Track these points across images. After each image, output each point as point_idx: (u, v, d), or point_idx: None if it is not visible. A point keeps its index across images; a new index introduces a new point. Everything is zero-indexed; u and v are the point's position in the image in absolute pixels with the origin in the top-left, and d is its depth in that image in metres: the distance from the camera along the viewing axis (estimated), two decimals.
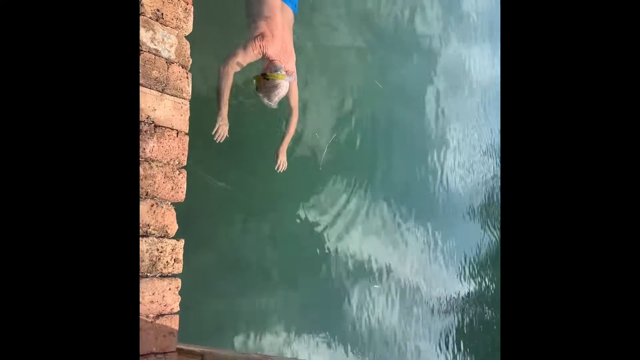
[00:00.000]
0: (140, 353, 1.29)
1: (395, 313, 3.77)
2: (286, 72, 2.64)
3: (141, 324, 1.30)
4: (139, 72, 1.29)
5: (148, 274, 1.32)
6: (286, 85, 2.62)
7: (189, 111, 1.47)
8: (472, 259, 4.61)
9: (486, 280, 4.68)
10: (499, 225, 4.91)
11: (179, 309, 1.39)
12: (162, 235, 1.37)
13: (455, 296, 4.38)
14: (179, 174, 1.42)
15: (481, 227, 4.84)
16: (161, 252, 1.35)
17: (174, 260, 1.38)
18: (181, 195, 1.42)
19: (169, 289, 1.37)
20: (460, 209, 4.72)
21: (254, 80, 2.63)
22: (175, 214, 1.41)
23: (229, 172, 2.91)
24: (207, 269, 2.62)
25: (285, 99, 2.75)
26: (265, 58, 2.66)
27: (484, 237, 4.81)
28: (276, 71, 2.57)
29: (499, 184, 5.17)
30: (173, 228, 1.40)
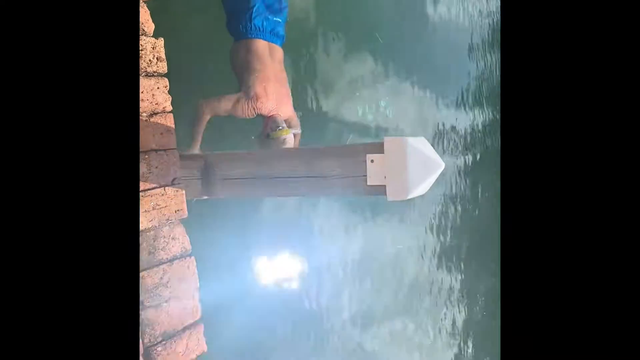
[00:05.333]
0: (141, 149, 1.31)
1: None
2: (286, 120, 2.38)
3: None
4: None
5: None
6: (292, 137, 2.34)
7: None
8: (470, 92, 4.56)
9: (485, 111, 4.68)
10: (499, 58, 4.78)
11: (171, 108, 1.38)
12: (140, 33, 1.32)
13: (460, 130, 4.41)
14: None
15: (480, 61, 4.72)
16: (141, 49, 1.31)
17: (157, 58, 1.34)
18: None
19: (157, 88, 1.35)
20: (458, 46, 4.56)
21: (255, 140, 2.38)
22: (148, 11, 1.34)
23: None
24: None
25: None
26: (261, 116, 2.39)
27: (484, 71, 4.71)
28: (277, 127, 2.29)
29: (499, 18, 4.93)
30: (149, 25, 1.33)
